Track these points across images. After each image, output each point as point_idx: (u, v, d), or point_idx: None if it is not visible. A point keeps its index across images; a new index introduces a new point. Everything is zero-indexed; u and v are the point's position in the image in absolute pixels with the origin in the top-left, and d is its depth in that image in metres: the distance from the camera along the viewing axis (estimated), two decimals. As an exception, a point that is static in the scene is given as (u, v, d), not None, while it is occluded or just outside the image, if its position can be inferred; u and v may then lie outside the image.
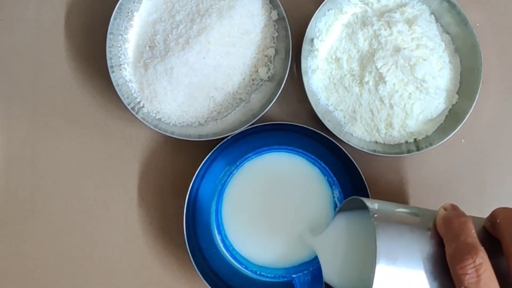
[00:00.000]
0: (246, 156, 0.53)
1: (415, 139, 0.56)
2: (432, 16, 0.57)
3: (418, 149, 0.54)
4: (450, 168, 0.58)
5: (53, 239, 0.57)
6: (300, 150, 0.54)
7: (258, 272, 0.53)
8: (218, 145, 0.54)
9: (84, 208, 0.57)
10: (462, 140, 0.58)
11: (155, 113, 0.55)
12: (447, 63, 0.56)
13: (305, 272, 0.52)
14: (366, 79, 0.54)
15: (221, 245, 0.53)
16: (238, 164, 0.53)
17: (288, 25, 0.54)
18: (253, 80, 0.56)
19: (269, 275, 0.53)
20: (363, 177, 0.53)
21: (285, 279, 0.53)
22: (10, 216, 0.57)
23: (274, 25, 0.56)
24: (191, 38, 0.52)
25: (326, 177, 0.54)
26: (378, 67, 0.53)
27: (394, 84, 0.53)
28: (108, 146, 0.58)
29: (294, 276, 0.52)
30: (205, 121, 0.56)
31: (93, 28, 0.58)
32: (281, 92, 0.53)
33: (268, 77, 0.57)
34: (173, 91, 0.54)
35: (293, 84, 0.57)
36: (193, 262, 0.52)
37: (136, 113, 0.53)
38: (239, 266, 0.53)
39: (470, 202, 0.58)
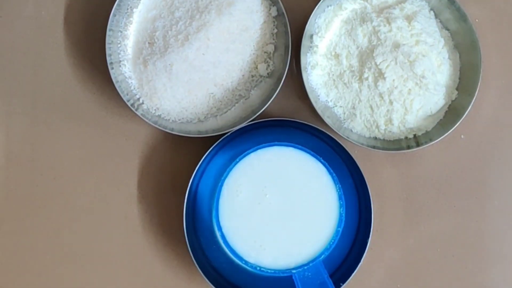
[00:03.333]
0: (246, 152, 0.53)
1: (414, 135, 0.56)
2: (432, 12, 0.57)
3: (417, 145, 0.54)
4: (450, 164, 0.58)
5: (53, 235, 0.57)
6: (300, 146, 0.54)
7: (258, 268, 0.53)
8: (218, 141, 0.54)
9: (84, 204, 0.57)
10: (462, 136, 0.58)
11: (155, 109, 0.55)
12: (447, 59, 0.56)
13: (305, 267, 0.52)
14: (365, 75, 0.54)
15: (221, 241, 0.53)
16: (238, 160, 0.53)
17: (287, 21, 0.54)
18: (252, 76, 0.56)
19: (269, 270, 0.52)
20: (363, 173, 0.53)
21: (285, 275, 0.52)
22: (10, 212, 0.57)
23: (274, 21, 0.56)
24: (190, 35, 0.52)
25: (331, 174, 0.53)
26: (378, 63, 0.53)
27: (393, 80, 0.53)
28: (108, 142, 0.58)
29: (294, 271, 0.52)
30: (205, 117, 0.56)
31: (93, 25, 0.58)
32: (280, 88, 0.53)
33: (268, 74, 0.56)
34: (172, 87, 0.54)
35: (293, 80, 0.57)
36: (193, 259, 0.52)
37: (136, 110, 0.53)
38: (239, 262, 0.53)
39: (470, 198, 0.58)
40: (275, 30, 0.56)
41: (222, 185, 0.53)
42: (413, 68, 0.53)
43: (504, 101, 0.59)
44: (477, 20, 0.58)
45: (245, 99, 0.56)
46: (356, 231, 0.54)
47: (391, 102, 0.54)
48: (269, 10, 0.56)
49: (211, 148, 0.54)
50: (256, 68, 0.56)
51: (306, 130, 0.54)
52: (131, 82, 0.55)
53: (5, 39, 0.58)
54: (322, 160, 0.53)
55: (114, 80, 0.53)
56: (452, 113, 0.55)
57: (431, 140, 0.54)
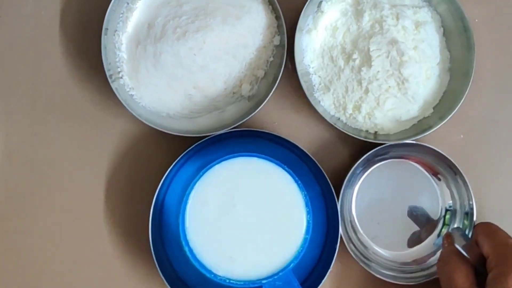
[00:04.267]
0: (211, 164, 0.52)
1: (375, 132, 0.56)
2: (442, 29, 0.57)
3: (375, 139, 0.54)
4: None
5: (51, 235, 0.56)
6: (263, 155, 0.53)
7: (228, 280, 0.51)
8: (184, 153, 0.54)
9: (82, 203, 0.57)
10: (461, 136, 0.58)
11: (130, 88, 0.55)
12: (436, 76, 0.56)
13: (275, 277, 0.51)
14: (354, 56, 0.54)
15: (188, 255, 0.51)
16: (202, 172, 0.52)
17: (285, 55, 0.54)
18: (233, 93, 0.56)
19: (239, 282, 0.51)
20: (329, 181, 0.54)
21: (255, 285, 0.51)
22: (8, 212, 0.57)
23: (273, 50, 0.57)
24: (188, 32, 0.52)
25: (297, 182, 0.52)
26: (371, 49, 0.53)
27: (378, 71, 0.54)
28: (106, 141, 0.58)
29: (264, 282, 0.51)
30: (174, 114, 0.56)
31: (92, 24, 0.57)
32: (258, 111, 0.53)
33: (249, 96, 0.56)
34: (155, 74, 0.54)
35: (271, 105, 0.57)
36: (159, 272, 0.51)
37: (112, 82, 0.53)
38: (208, 275, 0.51)
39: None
40: (271, 59, 0.57)
41: (187, 198, 0.52)
42: (401, 67, 0.53)
43: (496, 108, 0.59)
44: (476, 20, 0.59)
45: (220, 112, 0.56)
46: (325, 238, 0.54)
47: (366, 91, 0.54)
48: (273, 37, 0.56)
49: (177, 160, 0.53)
50: (240, 86, 0.56)
51: (273, 140, 0.55)
52: (118, 54, 0.55)
53: (4, 38, 0.59)
54: (286, 168, 0.52)
55: (102, 46, 0.53)
56: (419, 126, 0.56)
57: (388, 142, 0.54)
